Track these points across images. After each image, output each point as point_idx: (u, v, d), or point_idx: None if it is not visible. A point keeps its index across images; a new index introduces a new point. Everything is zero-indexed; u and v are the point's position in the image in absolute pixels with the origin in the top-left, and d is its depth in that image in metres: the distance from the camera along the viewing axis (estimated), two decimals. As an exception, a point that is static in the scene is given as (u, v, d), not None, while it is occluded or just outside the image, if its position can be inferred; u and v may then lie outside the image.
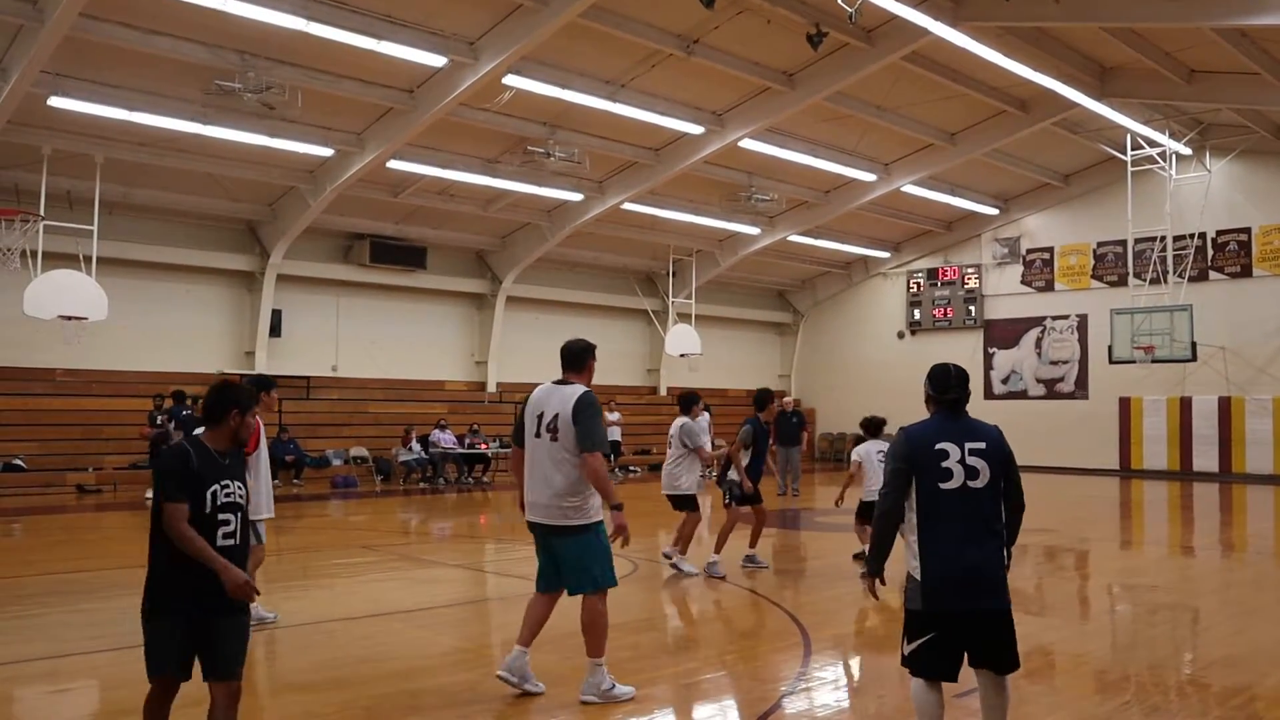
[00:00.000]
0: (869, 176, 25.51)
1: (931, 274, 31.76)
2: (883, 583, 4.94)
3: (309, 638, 8.13)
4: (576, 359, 6.51)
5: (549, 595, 6.42)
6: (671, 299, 29.40)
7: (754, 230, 28.39)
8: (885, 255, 32.50)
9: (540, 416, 6.31)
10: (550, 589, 6.40)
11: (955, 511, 4.67)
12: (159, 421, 18.89)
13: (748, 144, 22.11)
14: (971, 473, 4.72)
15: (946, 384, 4.94)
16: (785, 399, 23.38)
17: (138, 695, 4.81)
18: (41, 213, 17.88)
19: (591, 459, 6.11)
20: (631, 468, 28.66)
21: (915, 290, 32.11)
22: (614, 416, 26.26)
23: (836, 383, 33.46)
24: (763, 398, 11.60)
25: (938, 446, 4.76)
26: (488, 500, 21.50)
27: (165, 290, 22.46)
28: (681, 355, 28.27)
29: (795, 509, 19.18)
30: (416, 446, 23.65)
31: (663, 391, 31.24)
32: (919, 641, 4.67)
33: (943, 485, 4.70)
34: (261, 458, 8.24)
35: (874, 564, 4.93)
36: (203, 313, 23.05)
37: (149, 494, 18.73)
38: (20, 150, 18.18)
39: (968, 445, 4.77)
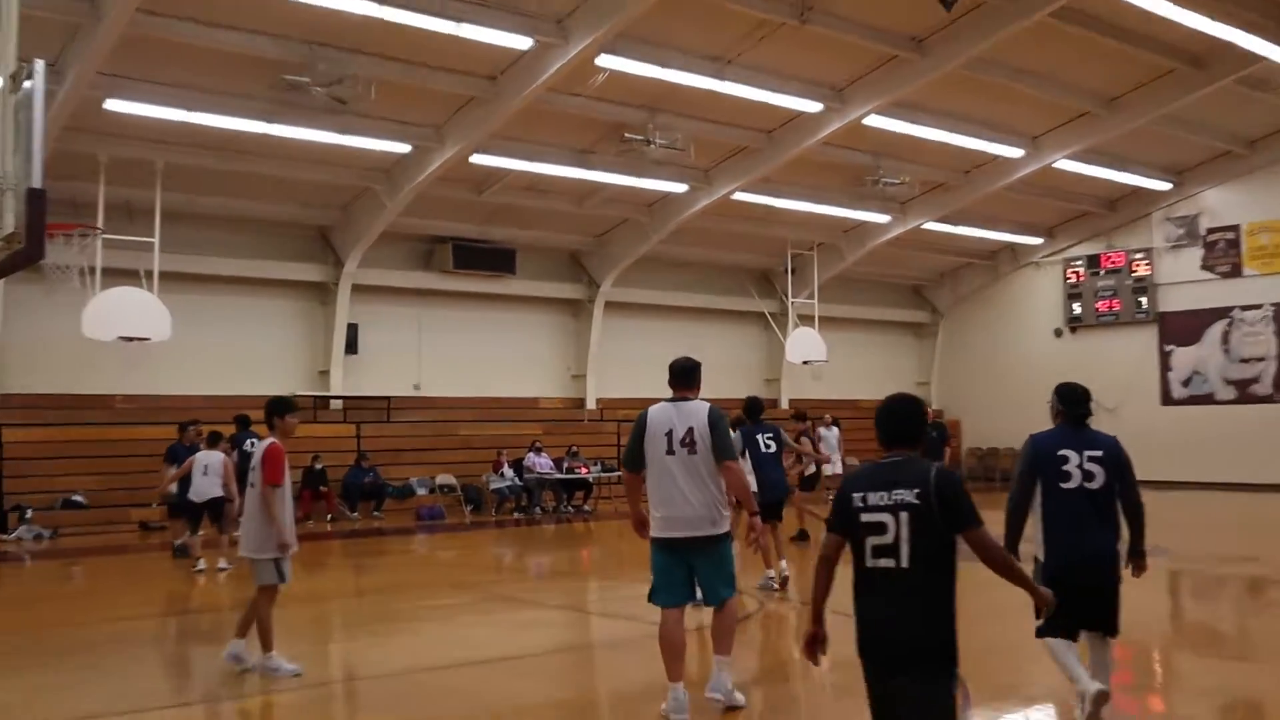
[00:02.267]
0: (1015, 152, 24.98)
1: (1093, 262, 30.98)
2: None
3: (394, 690, 8.23)
4: (689, 376, 7.54)
5: (680, 611, 7.32)
6: (791, 299, 29.19)
7: (883, 218, 28.04)
8: (1037, 242, 31.81)
9: (670, 434, 7.26)
10: (681, 602, 7.33)
11: (1073, 507, 6.39)
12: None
13: (873, 121, 21.84)
14: (1088, 476, 6.44)
15: (1074, 400, 6.67)
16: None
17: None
18: (100, 225, 18.49)
19: (735, 466, 7.24)
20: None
21: (1074, 281, 31.37)
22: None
23: (984, 390, 32.83)
24: (753, 407, 13.04)
25: (1060, 452, 6.49)
26: (590, 532, 21.56)
27: (232, 306, 23.08)
28: (804, 363, 28.01)
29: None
30: (509, 472, 23.85)
31: (783, 404, 30.96)
32: (1046, 617, 6.18)
33: (1062, 485, 6.43)
34: (286, 490, 8.37)
35: (1010, 543, 6.45)
36: (273, 329, 23.63)
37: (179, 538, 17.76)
38: (76, 159, 18.82)
39: (1086, 453, 6.48)
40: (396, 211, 22.28)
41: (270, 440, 8.40)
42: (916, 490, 4.43)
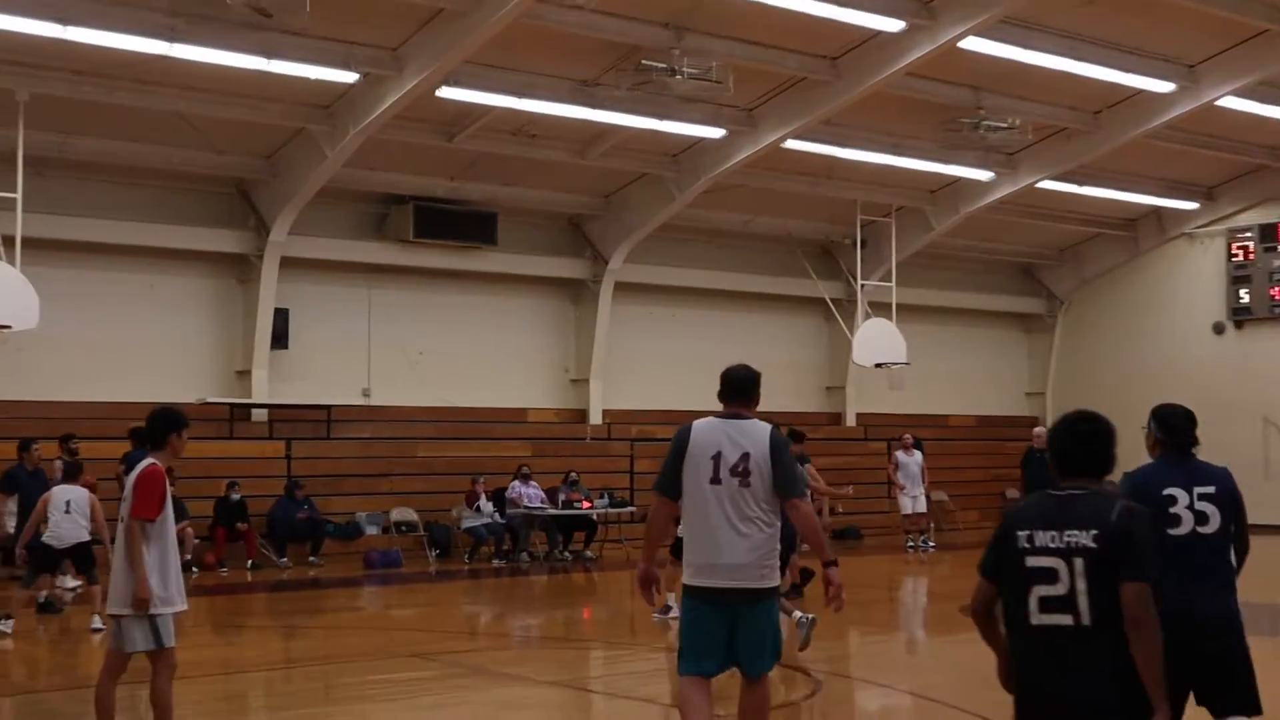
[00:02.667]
0: (1163, 86, 24.88)
1: (1267, 233, 30.94)
2: None
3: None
4: (747, 389, 7.81)
5: (708, 683, 7.35)
6: (861, 282, 29.15)
7: (984, 175, 27.96)
8: (1192, 206, 31.68)
9: (718, 458, 7.34)
10: (713, 671, 7.36)
11: (1183, 558, 6.42)
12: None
13: (972, 44, 21.78)
14: (1201, 518, 6.57)
15: (1178, 427, 6.88)
16: (1037, 430, 22.91)
17: None
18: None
19: (803, 504, 7.40)
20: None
21: (1241, 259, 31.32)
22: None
23: (1116, 403, 32.10)
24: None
25: (1166, 492, 6.61)
26: (593, 584, 21.63)
27: (121, 284, 23.12)
28: (877, 366, 27.97)
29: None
30: (487, 506, 23.88)
31: (850, 420, 30.94)
32: None
33: (1171, 531, 6.46)
34: (167, 522, 8.39)
35: None
36: (175, 316, 23.63)
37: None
38: (-83, 89, 18.98)
39: (1196, 490, 6.63)
40: (340, 162, 22.31)
41: (150, 461, 8.38)
42: (1094, 532, 4.66)
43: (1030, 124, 25.24)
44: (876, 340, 27.73)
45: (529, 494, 24.09)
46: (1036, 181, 28.03)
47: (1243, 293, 31.32)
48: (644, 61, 20.94)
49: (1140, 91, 25.28)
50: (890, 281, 29.11)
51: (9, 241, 19.49)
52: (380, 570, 22.67)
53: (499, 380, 26.66)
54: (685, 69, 20.81)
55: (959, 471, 30.12)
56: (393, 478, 24.63)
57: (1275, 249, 30.79)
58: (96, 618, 14.67)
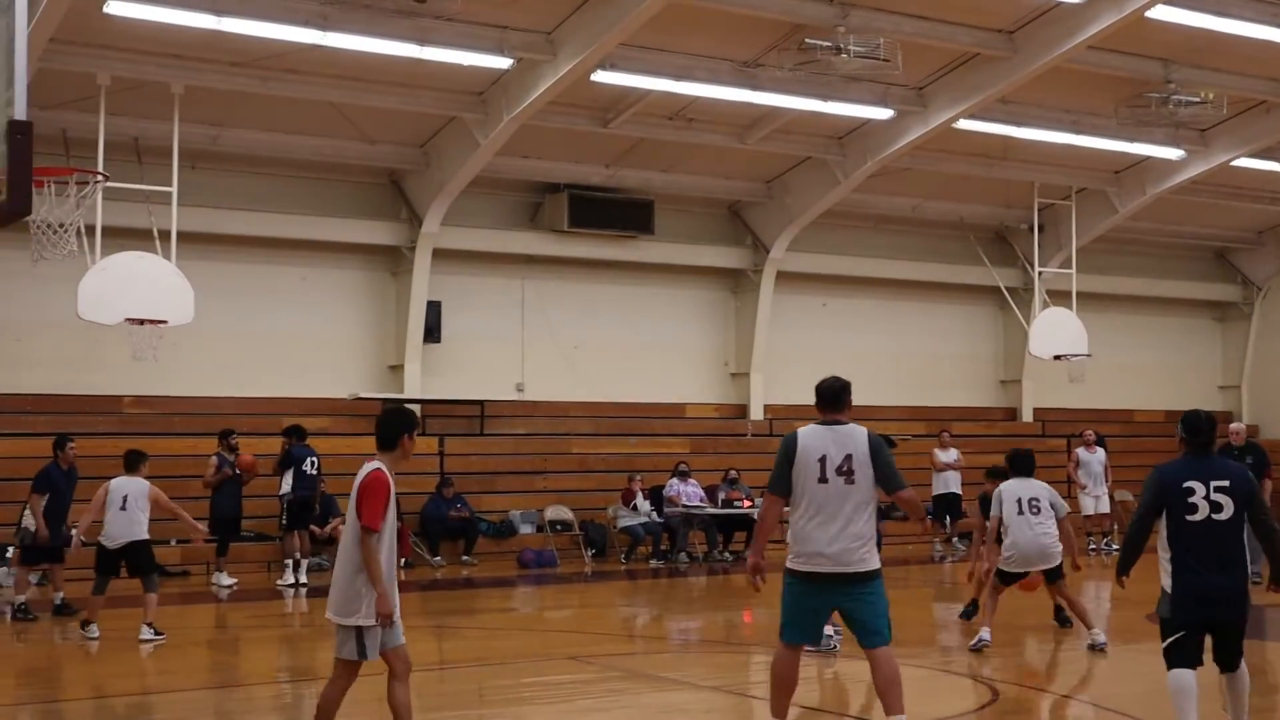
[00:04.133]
0: (1372, 55, 24.18)
1: None
2: (1122, 585, 9.03)
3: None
4: (838, 399, 9.08)
5: (799, 651, 9.10)
6: (1038, 269, 28.74)
7: (1174, 153, 27.41)
8: (1400, 185, 30.80)
9: (824, 460, 8.74)
10: (807, 641, 9.22)
11: (1200, 540, 8.49)
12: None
13: (1161, 13, 21.34)
14: (1216, 507, 8.47)
15: (1199, 429, 8.74)
16: (1233, 426, 22.36)
17: None
18: (100, 170, 18.98)
19: (906, 493, 8.90)
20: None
21: None
22: (949, 456, 25.81)
23: (1318, 397, 31.97)
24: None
25: (1185, 484, 8.55)
26: (754, 585, 21.50)
27: (274, 277, 23.66)
28: (1056, 358, 27.57)
29: (1258, 605, 18.33)
30: (645, 505, 23.96)
31: (1026, 416, 30.52)
32: (1169, 640, 8.62)
33: (1188, 518, 8.50)
34: (389, 530, 8.41)
35: (1122, 568, 9.03)
36: (328, 309, 24.14)
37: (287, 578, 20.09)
38: (69, 80, 19.42)
39: (1213, 483, 8.52)
40: (493, 150, 22.54)
41: (375, 465, 8.39)
42: None
43: (1225, 97, 24.64)
44: (1055, 331, 27.36)
45: (687, 492, 24.11)
46: (1232, 159, 27.42)
47: None
48: (807, 40, 20.83)
49: (1349, 61, 24.54)
50: (1070, 268, 28.69)
51: (164, 236, 19.96)
52: (535, 570, 22.89)
53: (656, 374, 26.72)
54: (851, 47, 20.63)
55: (1145, 470, 29.39)
56: (547, 475, 24.82)
57: None
58: (146, 628, 14.44)
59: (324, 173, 23.82)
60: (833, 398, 9.06)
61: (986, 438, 29.01)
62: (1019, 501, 13.90)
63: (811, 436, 8.88)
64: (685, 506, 23.92)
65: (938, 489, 25.47)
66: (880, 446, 8.81)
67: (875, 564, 8.82)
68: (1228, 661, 8.85)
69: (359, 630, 8.22)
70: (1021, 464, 14.38)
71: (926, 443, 26.48)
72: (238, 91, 20.83)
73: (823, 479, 8.69)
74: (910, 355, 29.26)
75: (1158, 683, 9.57)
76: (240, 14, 18.66)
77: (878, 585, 8.84)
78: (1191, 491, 8.51)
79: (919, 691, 12.47)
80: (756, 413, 27.33)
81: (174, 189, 20.06)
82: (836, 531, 8.69)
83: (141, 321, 19.24)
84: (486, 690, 12.37)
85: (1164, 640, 8.64)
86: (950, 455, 25.70)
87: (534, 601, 20.57)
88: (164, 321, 19.35)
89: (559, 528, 24.26)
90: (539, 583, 21.78)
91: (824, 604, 9.00)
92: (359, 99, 21.68)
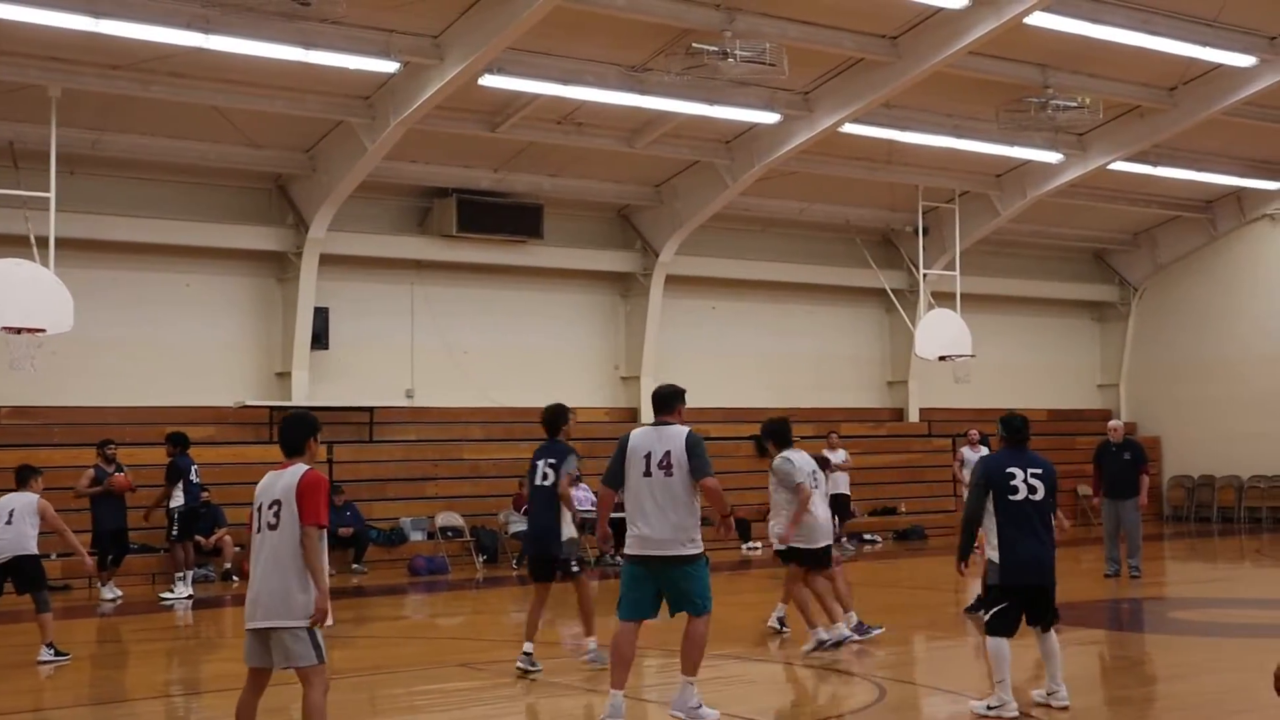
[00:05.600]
0: (1243, 59, 24.60)
1: (1351, 214, 30.65)
2: (961, 572, 10.99)
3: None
4: (667, 402, 10.49)
5: (637, 625, 10.24)
6: (923, 271, 29.00)
7: (1053, 157, 27.78)
8: (1274, 186, 31.35)
9: (649, 456, 10.16)
10: (640, 616, 10.26)
11: (1021, 516, 10.43)
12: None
13: (1039, 19, 21.60)
14: (1032, 489, 10.45)
15: (1016, 429, 10.72)
16: (1112, 423, 22.70)
17: None
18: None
19: (709, 480, 10.11)
20: (869, 536, 28.34)
21: (1324, 242, 31.05)
22: (837, 457, 25.99)
23: (1194, 396, 32.46)
24: (555, 416, 14.92)
25: (1008, 470, 10.51)
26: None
27: (156, 284, 23.24)
28: (941, 358, 27.82)
29: (1136, 599, 18.62)
30: (536, 510, 23.91)
31: (913, 416, 30.79)
32: (994, 610, 10.44)
33: (1011, 498, 10.43)
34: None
35: (962, 555, 10.84)
36: (212, 316, 23.78)
37: (170, 592, 19.77)
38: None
39: (1029, 470, 10.50)
40: (380, 154, 22.37)
41: (306, 467, 8.53)
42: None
43: (1101, 102, 25.00)
44: (940, 332, 27.61)
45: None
46: (1108, 163, 27.84)
47: (1330, 277, 31.14)
48: (694, 45, 20.85)
49: (1218, 66, 25.02)
50: (954, 270, 28.98)
51: (42, 242, 19.63)
52: (426, 577, 22.76)
53: (546, 378, 26.57)
54: (738, 52, 20.68)
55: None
56: (438, 481, 24.71)
57: (1360, 231, 30.52)
58: (46, 649, 13.93)
59: (208, 178, 23.48)
60: (662, 401, 10.50)
61: (874, 438, 29.26)
62: None
63: (641, 436, 10.41)
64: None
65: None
66: (697, 443, 10.14)
67: (696, 549, 10.10)
68: (1044, 622, 10.55)
69: (311, 631, 8.24)
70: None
71: (815, 444, 26.62)
72: (118, 95, 20.50)
73: (647, 473, 10.08)
74: (799, 357, 29.40)
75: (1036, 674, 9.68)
76: (119, 16, 18.34)
77: (700, 567, 10.16)
78: (1014, 476, 10.43)
79: (799, 690, 12.53)
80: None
81: (52, 194, 19.73)
82: (659, 520, 10.02)
83: (19, 330, 18.88)
84: (379, 699, 12.26)
85: (989, 610, 10.46)
86: (839, 456, 25.90)
87: (425, 609, 20.43)
88: (42, 330, 19.00)
89: (450, 534, 24.14)
90: (430, 590, 21.63)
91: (652, 584, 10.16)
92: (244, 103, 21.41)
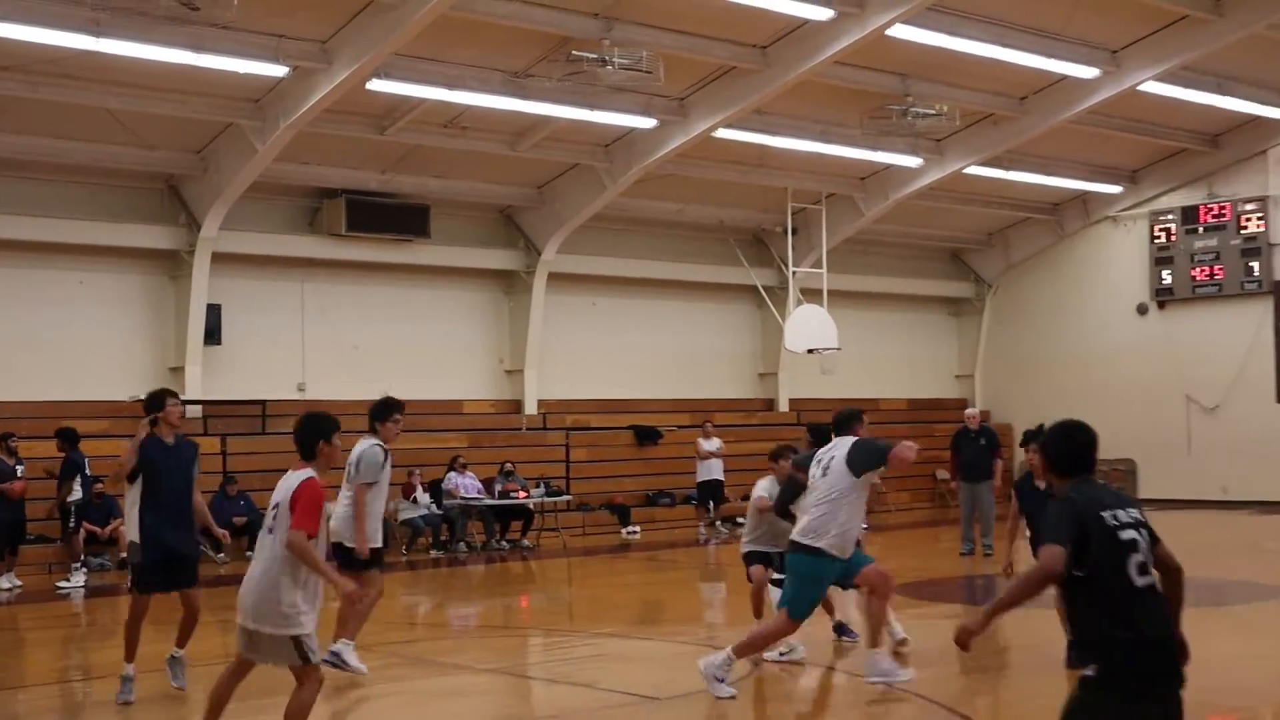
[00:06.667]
0: (1088, 71, 25.13)
1: (1189, 215, 31.27)
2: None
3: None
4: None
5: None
6: (793, 269, 29.29)
7: (913, 161, 28.19)
8: (1115, 190, 32.07)
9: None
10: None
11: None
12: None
13: (900, 31, 21.93)
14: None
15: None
16: (968, 411, 23.15)
17: None
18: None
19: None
20: (742, 520, 28.54)
21: (1163, 241, 31.65)
22: (711, 445, 26.27)
23: (1044, 385, 32.93)
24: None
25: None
26: (531, 573, 21.63)
27: (49, 282, 22.88)
28: (809, 351, 28.11)
29: (989, 575, 18.96)
30: (425, 498, 23.87)
31: (783, 406, 31.10)
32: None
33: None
34: (320, 541, 8.41)
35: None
36: (106, 313, 23.46)
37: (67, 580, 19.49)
38: None
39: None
40: (271, 156, 22.20)
41: (309, 474, 8.45)
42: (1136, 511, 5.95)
43: (958, 110, 25.44)
44: (808, 326, 27.88)
45: (465, 484, 24.10)
46: (964, 167, 28.34)
47: (1165, 274, 31.68)
48: (574, 52, 20.97)
49: (1065, 77, 25.60)
50: (821, 268, 29.29)
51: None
52: (318, 564, 22.59)
53: (434, 372, 26.62)
54: (615, 59, 20.83)
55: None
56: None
57: (1196, 231, 31.18)
58: None
59: (101, 178, 23.16)
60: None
61: (746, 427, 29.48)
62: None
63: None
64: (463, 498, 23.92)
65: (702, 475, 26.32)
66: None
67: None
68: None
69: (296, 640, 8.15)
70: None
71: (691, 433, 27.07)
72: (7, 96, 20.14)
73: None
74: (675, 351, 29.55)
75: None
76: (9, 18, 18.03)
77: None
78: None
79: (677, 666, 12.70)
80: (531, 408, 27.36)
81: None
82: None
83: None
84: (272, 682, 12.21)
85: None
86: (713, 444, 26.25)
87: (317, 594, 20.35)
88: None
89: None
90: (322, 576, 21.52)
91: None
92: (134, 105, 21.15)
